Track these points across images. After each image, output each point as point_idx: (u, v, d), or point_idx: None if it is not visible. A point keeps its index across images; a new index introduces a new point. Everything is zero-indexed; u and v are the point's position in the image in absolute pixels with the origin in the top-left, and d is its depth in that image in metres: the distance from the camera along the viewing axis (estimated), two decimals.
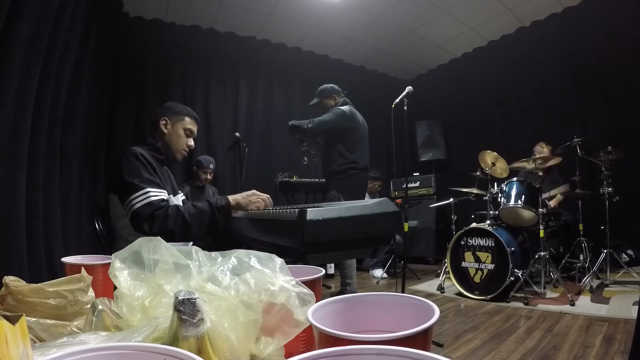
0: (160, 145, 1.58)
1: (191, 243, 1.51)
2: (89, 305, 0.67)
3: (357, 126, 2.68)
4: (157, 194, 1.34)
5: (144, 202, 1.31)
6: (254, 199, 1.45)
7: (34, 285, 0.68)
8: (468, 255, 2.82)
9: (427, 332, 0.43)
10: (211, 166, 3.46)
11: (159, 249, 0.63)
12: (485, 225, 2.81)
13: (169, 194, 1.47)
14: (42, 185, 1.80)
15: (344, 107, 2.69)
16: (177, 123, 1.60)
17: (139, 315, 0.57)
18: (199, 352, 0.46)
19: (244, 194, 1.47)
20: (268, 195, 1.51)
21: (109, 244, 1.53)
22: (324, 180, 2.97)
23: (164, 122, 1.58)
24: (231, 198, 1.44)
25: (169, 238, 1.28)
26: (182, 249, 0.66)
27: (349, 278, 2.57)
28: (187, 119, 1.62)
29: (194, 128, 1.64)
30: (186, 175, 3.67)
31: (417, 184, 4.80)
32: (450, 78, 5.06)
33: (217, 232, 1.42)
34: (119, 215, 1.43)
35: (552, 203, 3.15)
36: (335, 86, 2.85)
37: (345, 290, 2.58)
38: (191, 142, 1.64)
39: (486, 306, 2.52)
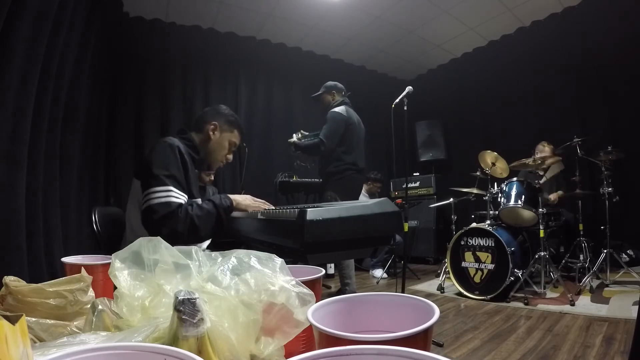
0: (200, 147, 1.52)
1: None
2: (89, 305, 0.67)
3: (353, 127, 2.68)
4: (178, 196, 1.30)
5: (163, 200, 1.26)
6: (252, 203, 1.45)
7: (34, 285, 0.68)
8: (468, 255, 2.82)
9: (427, 332, 0.43)
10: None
11: (159, 249, 0.63)
12: (485, 225, 2.81)
13: (195, 197, 1.43)
14: (42, 185, 1.80)
15: (339, 109, 2.68)
16: (226, 133, 1.53)
17: (139, 315, 0.57)
18: (199, 352, 0.46)
19: (241, 197, 1.46)
20: (263, 201, 1.50)
21: (108, 244, 1.53)
22: (321, 180, 2.99)
23: (213, 126, 1.50)
24: (232, 197, 1.43)
25: (176, 240, 1.27)
26: (182, 248, 0.66)
27: (348, 278, 2.57)
28: (237, 132, 1.56)
29: (238, 143, 1.60)
30: None
31: (417, 184, 4.80)
32: (450, 78, 5.06)
33: (221, 232, 1.42)
34: (137, 204, 1.37)
35: (552, 197, 3.14)
36: (339, 84, 2.86)
37: (345, 290, 2.58)
38: (230, 156, 1.59)
39: (486, 306, 2.52)
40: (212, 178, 3.50)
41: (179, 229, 1.26)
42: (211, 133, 1.51)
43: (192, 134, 1.52)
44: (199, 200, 1.44)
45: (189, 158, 1.42)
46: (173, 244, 1.33)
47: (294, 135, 2.80)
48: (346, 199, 2.52)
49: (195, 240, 1.37)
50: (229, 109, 1.61)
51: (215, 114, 1.53)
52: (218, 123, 1.52)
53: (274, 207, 1.45)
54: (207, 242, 1.60)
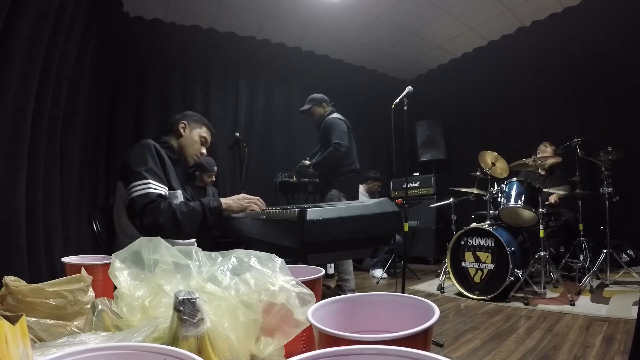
0: (175, 145, 1.63)
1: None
2: (89, 305, 0.67)
3: (349, 131, 2.80)
4: (157, 187, 1.36)
5: (142, 192, 1.32)
6: (245, 202, 1.47)
7: (34, 285, 0.68)
8: (468, 255, 2.82)
9: (427, 332, 0.43)
10: (215, 169, 3.46)
11: (159, 249, 0.63)
12: (485, 225, 2.81)
13: (174, 189, 1.49)
14: (42, 185, 1.80)
15: (336, 115, 2.81)
16: (195, 129, 1.67)
17: (139, 315, 0.57)
18: (199, 352, 0.46)
19: (235, 197, 1.48)
20: (258, 197, 1.52)
21: (108, 244, 1.54)
22: (317, 180, 3.09)
23: (182, 125, 1.64)
24: (223, 201, 1.46)
25: (158, 233, 1.30)
26: (182, 249, 0.66)
27: (347, 274, 2.57)
28: (204, 128, 1.70)
29: (209, 138, 1.72)
30: (186, 177, 3.67)
31: (417, 184, 4.80)
32: (450, 78, 5.05)
33: (207, 232, 1.44)
34: (123, 204, 1.43)
35: (552, 198, 3.14)
36: (325, 97, 2.98)
37: (344, 287, 2.57)
38: (204, 150, 1.71)
39: (486, 306, 2.52)
40: (214, 179, 3.50)
41: (160, 221, 1.30)
42: (181, 131, 1.64)
43: (165, 137, 1.64)
44: (179, 192, 1.50)
45: (166, 156, 1.52)
46: (156, 235, 1.33)
47: (304, 161, 2.98)
48: (349, 199, 2.55)
49: (176, 235, 1.40)
50: (194, 112, 1.77)
51: (183, 116, 1.69)
52: (186, 121, 1.66)
53: (266, 208, 1.45)
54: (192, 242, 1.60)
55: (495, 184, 3.09)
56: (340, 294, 0.58)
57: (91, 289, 0.74)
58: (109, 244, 1.53)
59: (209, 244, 1.62)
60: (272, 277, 0.62)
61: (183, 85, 3.93)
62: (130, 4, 3.53)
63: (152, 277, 0.61)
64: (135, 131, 3.62)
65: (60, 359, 0.36)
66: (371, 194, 4.15)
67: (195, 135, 1.66)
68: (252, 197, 1.52)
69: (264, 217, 1.22)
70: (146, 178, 1.34)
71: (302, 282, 0.63)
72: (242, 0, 3.60)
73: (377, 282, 3.58)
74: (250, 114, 4.32)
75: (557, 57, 3.96)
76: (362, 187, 4.12)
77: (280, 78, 4.59)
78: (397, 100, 2.33)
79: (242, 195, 1.52)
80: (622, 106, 3.48)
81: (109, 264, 0.62)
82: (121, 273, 0.61)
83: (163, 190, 1.39)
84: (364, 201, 1.57)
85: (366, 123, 5.03)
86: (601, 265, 2.78)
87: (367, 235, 1.00)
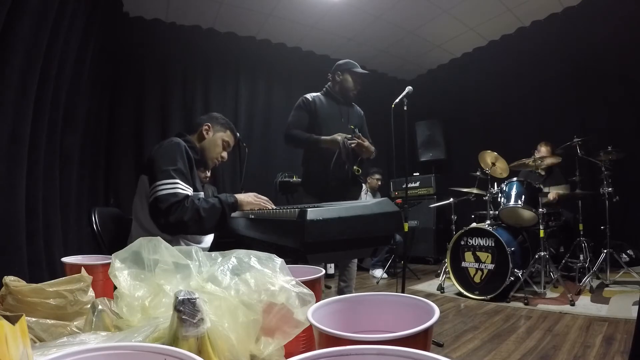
0: (197, 146, 1.63)
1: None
2: (89, 305, 0.67)
3: None
4: (184, 188, 1.37)
5: (170, 191, 1.33)
6: (254, 200, 1.47)
7: (34, 285, 0.68)
8: (468, 255, 2.82)
9: (427, 332, 0.43)
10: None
11: (159, 249, 0.63)
12: (485, 225, 2.81)
13: (198, 191, 1.50)
14: (42, 185, 1.80)
15: None
16: (219, 132, 1.67)
17: (139, 315, 0.57)
18: (199, 352, 0.46)
19: (246, 195, 1.49)
20: (267, 198, 1.53)
21: (108, 244, 1.54)
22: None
23: (207, 127, 1.64)
24: (237, 197, 1.48)
25: (182, 229, 1.32)
26: (182, 248, 0.66)
27: (351, 278, 2.55)
28: (229, 132, 1.70)
29: (232, 142, 1.73)
30: None
31: (417, 184, 4.80)
32: (450, 78, 5.06)
33: (224, 228, 1.44)
34: (144, 198, 1.44)
35: (551, 195, 3.13)
36: None
37: (344, 291, 2.56)
38: (225, 154, 1.70)
39: (486, 306, 2.52)
40: (208, 174, 3.50)
41: (185, 218, 1.31)
42: (205, 133, 1.64)
43: (189, 136, 1.63)
44: (202, 194, 1.50)
45: (192, 158, 1.52)
46: (179, 232, 1.34)
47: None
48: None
49: (199, 231, 1.42)
50: (222, 115, 1.76)
51: (209, 118, 1.68)
52: (211, 124, 1.65)
53: (274, 207, 1.45)
54: (210, 240, 1.61)
55: (495, 184, 3.09)
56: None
57: (91, 289, 0.74)
58: (109, 244, 1.53)
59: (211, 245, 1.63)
60: (272, 277, 0.62)
61: (183, 85, 3.93)
62: (130, 4, 3.53)
63: (152, 277, 0.61)
64: (135, 131, 3.62)
65: (60, 359, 0.36)
66: (372, 189, 4.17)
67: (217, 139, 1.65)
68: (262, 197, 1.53)
69: (264, 217, 1.22)
70: (174, 178, 1.35)
71: (302, 282, 0.63)
72: (242, 0, 3.61)
73: (377, 282, 3.59)
74: (250, 113, 4.32)
75: (557, 57, 3.97)
76: (364, 185, 4.13)
77: (280, 78, 4.59)
78: (397, 100, 2.33)
79: (254, 194, 1.53)
80: (622, 106, 3.49)
81: (109, 264, 0.62)
82: (121, 273, 0.61)
83: (189, 191, 1.40)
84: (364, 201, 1.56)
85: (366, 123, 5.03)
86: (601, 265, 2.78)
87: (367, 235, 0.99)
